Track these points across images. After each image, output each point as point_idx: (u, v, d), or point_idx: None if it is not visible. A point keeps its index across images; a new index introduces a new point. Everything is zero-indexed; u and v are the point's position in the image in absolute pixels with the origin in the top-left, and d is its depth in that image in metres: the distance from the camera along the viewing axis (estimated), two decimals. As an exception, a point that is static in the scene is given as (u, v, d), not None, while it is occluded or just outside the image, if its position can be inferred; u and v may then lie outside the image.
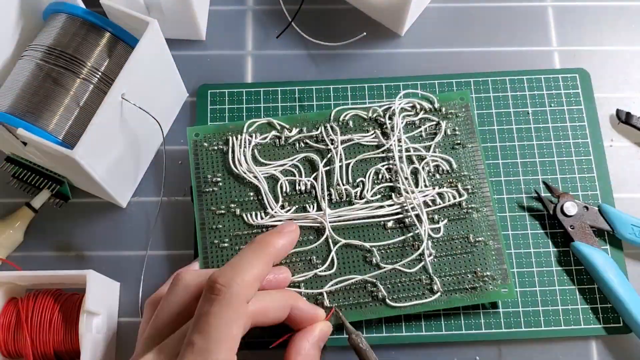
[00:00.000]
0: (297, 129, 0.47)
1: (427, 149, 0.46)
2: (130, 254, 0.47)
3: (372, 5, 0.53)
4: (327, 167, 0.46)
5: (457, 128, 0.47)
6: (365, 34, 0.51)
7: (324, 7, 0.54)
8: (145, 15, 0.42)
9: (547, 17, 0.54)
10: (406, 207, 0.45)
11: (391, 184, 0.45)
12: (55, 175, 0.47)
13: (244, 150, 0.46)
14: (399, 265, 0.43)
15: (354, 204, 0.45)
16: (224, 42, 0.53)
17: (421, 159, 0.46)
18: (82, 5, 0.44)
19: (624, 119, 0.49)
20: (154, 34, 0.42)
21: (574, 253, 0.46)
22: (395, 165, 0.46)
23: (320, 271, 0.43)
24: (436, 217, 0.45)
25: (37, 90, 0.41)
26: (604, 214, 0.46)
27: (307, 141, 0.47)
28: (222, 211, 0.45)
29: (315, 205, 0.45)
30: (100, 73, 0.42)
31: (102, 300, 0.43)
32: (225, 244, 0.44)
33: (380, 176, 0.46)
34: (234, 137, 0.46)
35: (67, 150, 0.38)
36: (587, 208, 0.46)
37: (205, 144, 0.46)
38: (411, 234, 0.44)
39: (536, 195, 0.47)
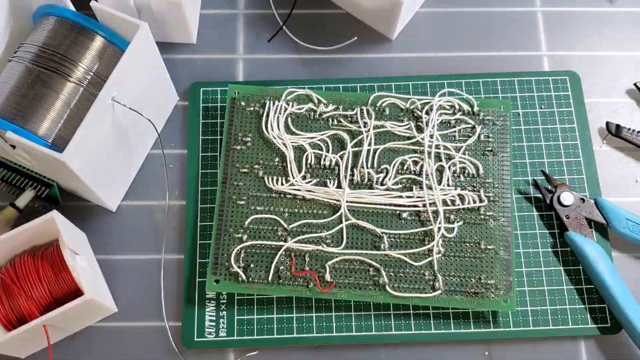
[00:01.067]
0: (334, 106, 0.47)
1: (458, 149, 0.46)
2: (120, 258, 0.46)
3: (363, 9, 0.52)
4: (355, 149, 0.46)
5: (491, 135, 0.47)
6: (356, 38, 0.51)
7: (316, 11, 0.54)
8: (136, 18, 0.42)
9: (536, 22, 0.54)
10: (424, 202, 0.45)
11: (414, 177, 0.46)
12: (44, 179, 0.46)
13: (278, 117, 0.47)
14: (407, 256, 0.43)
15: (374, 188, 0.45)
16: (215, 46, 0.53)
17: (449, 158, 0.46)
18: (72, 8, 0.44)
19: (614, 131, 0.49)
20: (144, 37, 0.41)
21: (567, 243, 0.46)
22: (423, 159, 0.46)
23: (328, 246, 0.43)
24: (452, 217, 0.45)
25: (26, 93, 0.40)
26: (600, 207, 0.46)
27: (341, 119, 0.47)
28: (246, 170, 0.46)
29: (336, 182, 0.45)
30: (90, 76, 0.41)
31: (76, 241, 0.43)
32: (242, 202, 0.45)
33: (405, 167, 0.46)
34: (272, 102, 0.47)
35: (56, 153, 0.37)
36: (583, 200, 0.46)
37: (243, 103, 0.47)
38: (424, 228, 0.44)
39: (534, 184, 0.47)
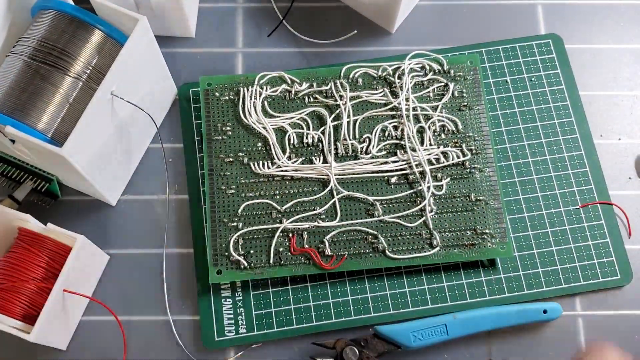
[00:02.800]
0: (307, 84, 0.48)
1: (434, 109, 0.47)
2: (120, 252, 0.46)
3: (363, 2, 0.52)
4: (335, 122, 0.47)
5: (464, 90, 0.48)
6: (356, 31, 0.51)
7: (315, 4, 0.53)
8: (135, 12, 0.42)
9: (536, 14, 0.54)
10: (410, 164, 0.45)
11: (397, 141, 0.46)
12: (43, 173, 0.46)
13: (254, 102, 0.47)
14: (401, 219, 0.44)
15: (359, 158, 0.46)
16: (214, 40, 0.52)
17: (428, 118, 0.47)
18: (71, 2, 0.43)
19: None
20: (143, 31, 0.41)
21: None
22: (402, 123, 0.47)
23: (323, 221, 0.44)
24: (439, 175, 0.46)
25: (25, 88, 0.40)
26: (382, 335, 0.42)
27: (317, 96, 0.47)
28: (231, 159, 0.46)
29: (321, 158, 0.46)
30: (89, 70, 0.41)
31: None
32: (232, 190, 0.45)
33: (386, 133, 0.47)
34: (245, 88, 0.47)
35: (56, 148, 0.38)
36: (365, 341, 0.43)
37: (217, 94, 0.47)
38: (414, 190, 0.45)
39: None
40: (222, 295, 0.45)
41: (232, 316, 0.44)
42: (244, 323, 0.44)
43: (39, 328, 0.38)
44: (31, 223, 0.42)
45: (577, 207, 0.47)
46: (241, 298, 0.44)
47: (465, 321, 0.43)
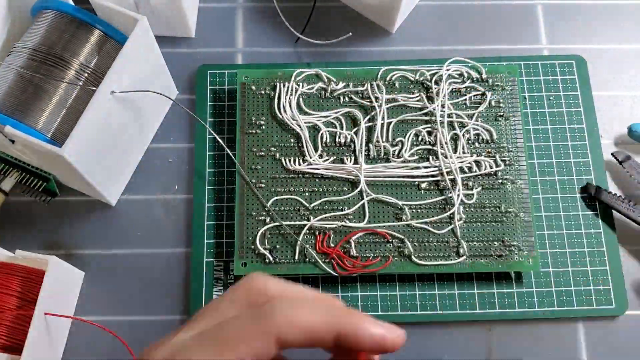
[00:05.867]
0: (344, 83, 0.48)
1: (470, 117, 0.47)
2: (120, 253, 0.47)
3: (363, 2, 0.52)
4: (369, 124, 0.47)
5: (501, 100, 0.47)
6: (350, 34, 0.50)
7: (316, 4, 0.53)
8: (135, 12, 0.42)
9: (537, 14, 0.53)
10: (442, 171, 0.45)
11: (430, 147, 0.46)
12: (41, 173, 0.46)
13: (289, 98, 0.47)
14: (429, 225, 0.44)
15: (390, 161, 0.46)
16: (214, 39, 0.52)
17: (462, 126, 0.47)
18: (71, 2, 0.43)
19: (593, 193, 0.47)
20: (143, 31, 0.41)
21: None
22: (437, 129, 0.46)
23: (351, 222, 0.44)
24: (470, 183, 0.45)
25: (25, 88, 0.40)
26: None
27: (352, 96, 0.47)
28: (262, 153, 0.46)
29: (352, 158, 0.46)
30: (89, 70, 0.41)
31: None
32: (262, 185, 0.45)
33: (420, 138, 0.46)
34: (282, 84, 0.47)
35: (56, 148, 0.38)
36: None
37: (253, 87, 0.47)
38: (444, 197, 0.45)
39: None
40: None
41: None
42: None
43: (27, 355, 0.38)
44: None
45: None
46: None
47: None
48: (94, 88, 0.40)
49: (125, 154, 0.46)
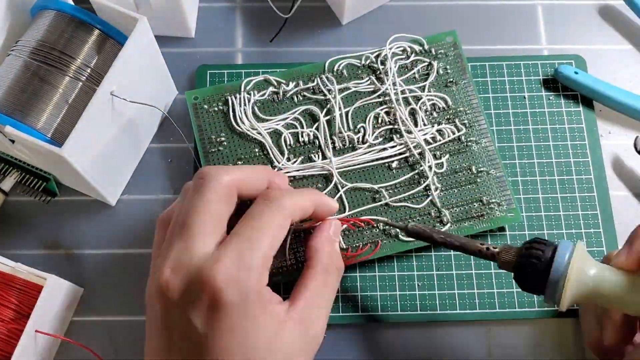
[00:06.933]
0: (294, 83, 0.48)
1: (422, 89, 0.48)
2: (120, 252, 0.46)
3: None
4: (328, 117, 0.47)
5: (448, 67, 0.48)
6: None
7: (320, 4, 0.54)
8: (134, 12, 0.42)
9: (537, 14, 0.54)
10: (408, 147, 0.46)
11: (391, 127, 0.47)
12: (41, 172, 0.46)
13: (244, 109, 0.47)
14: (408, 202, 0.45)
15: (357, 149, 0.46)
16: (213, 39, 0.53)
17: (417, 99, 0.47)
18: (71, 2, 0.43)
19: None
20: (143, 31, 0.41)
21: None
22: (393, 107, 0.47)
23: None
24: (438, 153, 0.46)
25: (25, 87, 0.40)
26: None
27: (305, 94, 0.47)
28: (230, 169, 0.45)
29: (320, 154, 0.46)
30: (89, 70, 0.41)
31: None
32: (238, 200, 0.45)
33: (379, 120, 0.47)
34: (233, 97, 0.47)
35: (55, 148, 0.38)
36: None
37: (205, 106, 0.47)
38: (416, 171, 0.46)
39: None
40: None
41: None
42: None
43: None
44: None
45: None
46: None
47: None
48: (94, 88, 0.40)
49: (125, 153, 0.46)
